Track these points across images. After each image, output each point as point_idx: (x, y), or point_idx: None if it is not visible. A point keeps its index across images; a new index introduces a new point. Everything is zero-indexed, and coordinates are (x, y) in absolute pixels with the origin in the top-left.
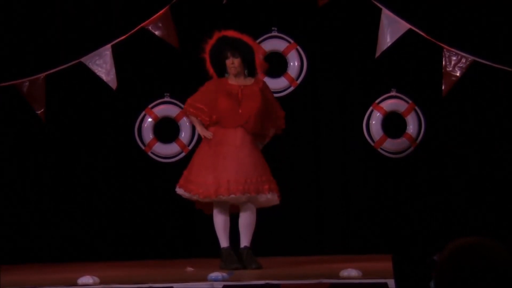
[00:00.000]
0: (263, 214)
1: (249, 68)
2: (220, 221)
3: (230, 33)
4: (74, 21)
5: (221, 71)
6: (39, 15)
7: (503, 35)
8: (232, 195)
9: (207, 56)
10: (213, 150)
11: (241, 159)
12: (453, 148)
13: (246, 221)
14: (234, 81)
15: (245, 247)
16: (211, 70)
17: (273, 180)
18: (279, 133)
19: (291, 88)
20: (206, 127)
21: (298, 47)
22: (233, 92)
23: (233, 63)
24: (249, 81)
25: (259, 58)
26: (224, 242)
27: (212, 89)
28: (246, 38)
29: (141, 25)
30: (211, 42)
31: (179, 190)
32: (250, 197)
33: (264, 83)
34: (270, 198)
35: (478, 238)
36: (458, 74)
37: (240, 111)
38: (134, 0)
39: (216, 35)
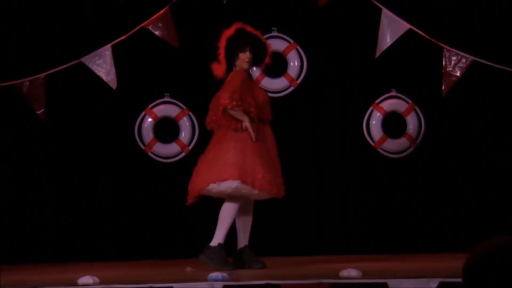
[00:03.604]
0: (263, 214)
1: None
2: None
3: (249, 28)
4: (74, 21)
5: (230, 63)
6: (39, 15)
7: (503, 35)
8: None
9: (223, 46)
10: (259, 146)
11: (273, 158)
12: (453, 148)
13: (249, 220)
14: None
15: (246, 246)
16: (223, 60)
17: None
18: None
19: (291, 88)
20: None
21: (298, 47)
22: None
23: (248, 57)
24: None
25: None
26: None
27: (247, 81)
28: (260, 35)
29: (141, 25)
30: (230, 32)
31: (235, 183)
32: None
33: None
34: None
35: None
36: (458, 74)
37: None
38: (134, 0)
39: (236, 26)
